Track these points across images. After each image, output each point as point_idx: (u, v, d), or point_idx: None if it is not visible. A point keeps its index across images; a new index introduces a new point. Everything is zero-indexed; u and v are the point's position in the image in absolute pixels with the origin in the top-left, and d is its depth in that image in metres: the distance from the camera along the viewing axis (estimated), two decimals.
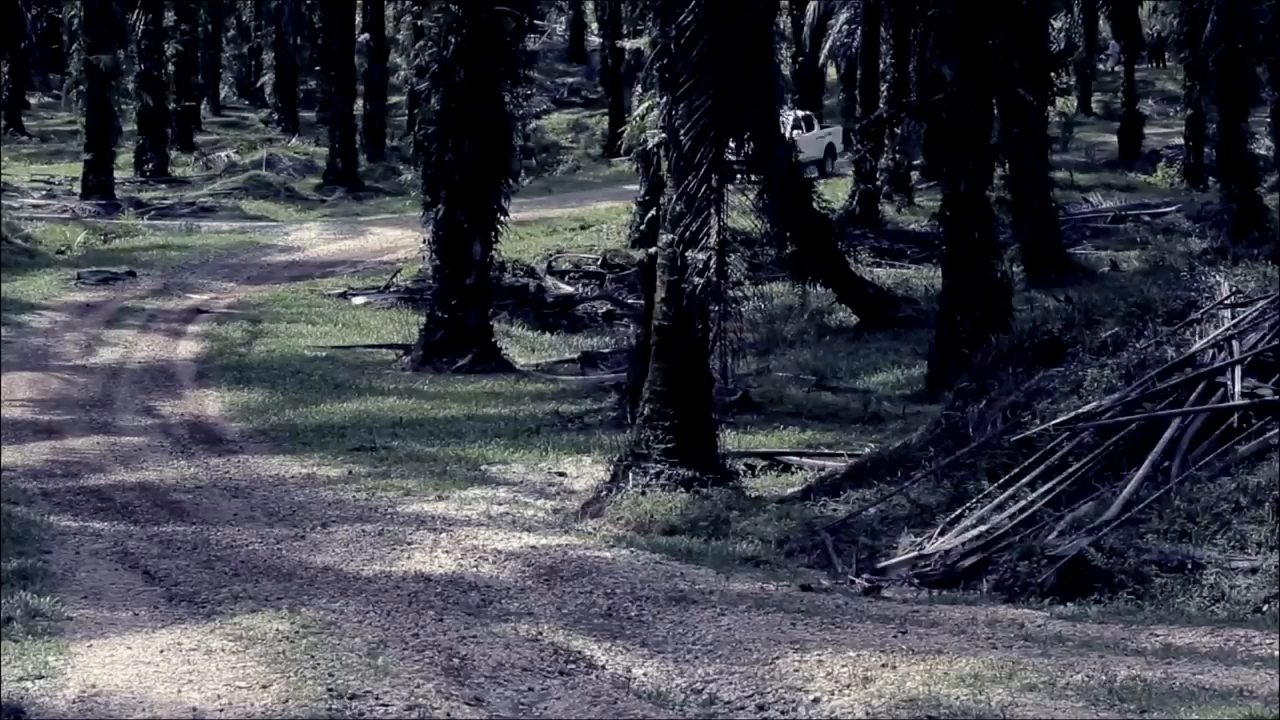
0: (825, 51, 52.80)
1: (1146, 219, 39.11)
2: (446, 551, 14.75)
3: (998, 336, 18.73)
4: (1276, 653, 10.89)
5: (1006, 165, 30.72)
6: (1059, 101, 42.12)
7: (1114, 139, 50.64)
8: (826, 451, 20.01)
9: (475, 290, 26.86)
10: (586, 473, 19.09)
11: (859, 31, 44.39)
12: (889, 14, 41.19)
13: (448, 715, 9.89)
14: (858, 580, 14.19)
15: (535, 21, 32.07)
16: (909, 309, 30.41)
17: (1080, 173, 45.30)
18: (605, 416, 22.43)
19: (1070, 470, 14.85)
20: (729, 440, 19.78)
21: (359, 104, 55.38)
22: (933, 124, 32.68)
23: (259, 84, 73.47)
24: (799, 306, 31.23)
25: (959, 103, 23.33)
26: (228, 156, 55.20)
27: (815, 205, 29.82)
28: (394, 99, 61.55)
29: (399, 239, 37.79)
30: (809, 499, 17.02)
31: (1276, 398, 14.92)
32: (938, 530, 14.84)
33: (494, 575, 13.92)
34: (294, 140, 60.04)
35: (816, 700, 10.26)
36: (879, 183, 40.66)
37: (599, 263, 35.45)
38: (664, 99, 17.58)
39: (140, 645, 11.41)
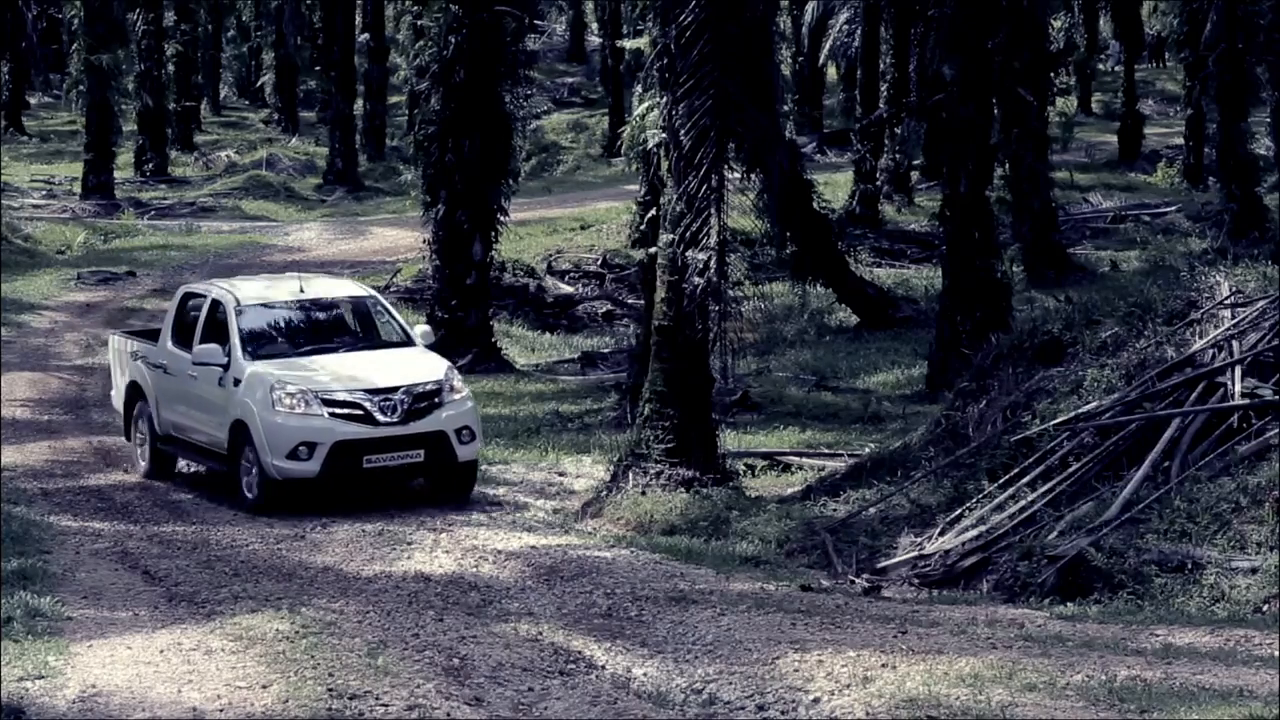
0: (825, 51, 52.77)
1: (1146, 219, 39.02)
2: (446, 551, 14.76)
3: (998, 336, 18.70)
4: (1276, 653, 10.89)
5: (1006, 165, 30.68)
6: (1059, 101, 42.00)
7: (1114, 139, 50.50)
8: (826, 451, 20.01)
9: (475, 290, 26.85)
10: (586, 473, 19.09)
11: (859, 31, 44.36)
12: (889, 14, 41.15)
13: (448, 715, 9.90)
14: (858, 580, 14.21)
15: (535, 21, 32.04)
16: (909, 309, 30.37)
17: (1080, 173, 45.21)
18: (605, 416, 22.43)
19: (1070, 470, 14.85)
20: (729, 440, 19.77)
21: (359, 104, 55.32)
22: (933, 124, 32.74)
23: (259, 84, 73.42)
24: (799, 306, 31.19)
25: (959, 103, 23.32)
26: (228, 156, 55.14)
27: (815, 205, 29.79)
28: (394, 99, 61.50)
29: (399, 239, 37.75)
30: (809, 499, 17.03)
31: (1276, 398, 14.93)
32: (938, 530, 14.85)
33: (494, 575, 13.93)
34: (294, 140, 59.98)
35: (816, 700, 10.27)
36: (879, 183, 40.61)
37: (599, 263, 35.37)
38: (664, 99, 17.59)
39: (140, 645, 11.42)
